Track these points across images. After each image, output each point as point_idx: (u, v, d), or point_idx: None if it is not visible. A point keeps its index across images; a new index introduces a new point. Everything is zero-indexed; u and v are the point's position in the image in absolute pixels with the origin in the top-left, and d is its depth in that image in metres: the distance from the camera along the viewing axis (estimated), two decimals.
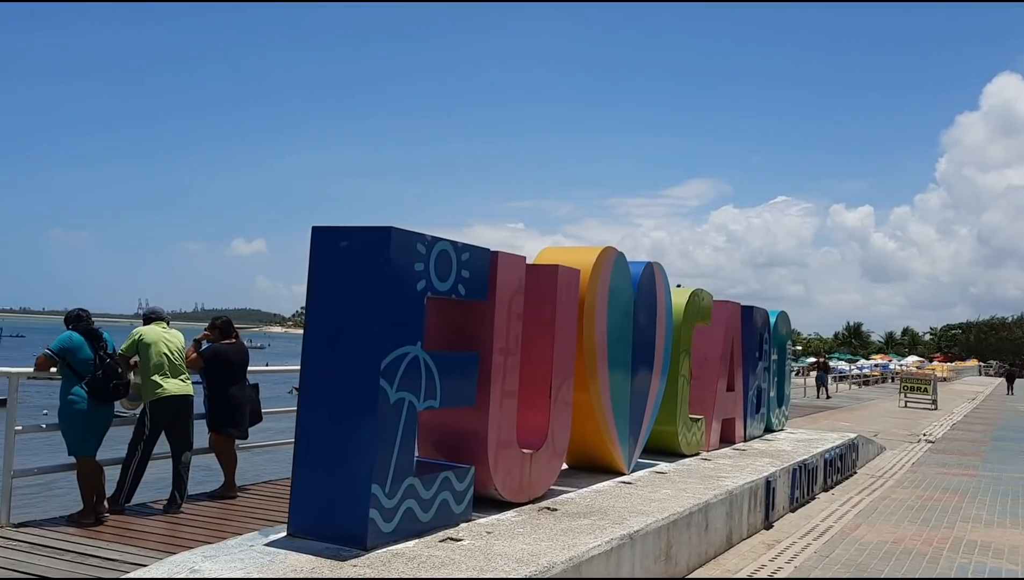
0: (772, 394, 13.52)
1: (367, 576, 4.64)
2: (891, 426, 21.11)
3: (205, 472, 9.67)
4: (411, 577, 4.67)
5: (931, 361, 73.94)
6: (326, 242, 5.45)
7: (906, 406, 28.42)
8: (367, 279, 5.29)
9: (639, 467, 8.95)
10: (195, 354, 7.65)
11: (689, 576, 6.96)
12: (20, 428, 6.49)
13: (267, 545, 5.16)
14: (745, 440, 12.03)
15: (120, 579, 4.72)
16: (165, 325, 7.36)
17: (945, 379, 51.84)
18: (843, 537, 8.48)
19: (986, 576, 7.22)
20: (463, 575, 4.75)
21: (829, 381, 33.49)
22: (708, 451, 10.65)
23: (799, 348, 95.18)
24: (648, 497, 7.37)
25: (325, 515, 5.28)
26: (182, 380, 7.20)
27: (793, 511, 9.83)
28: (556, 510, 6.63)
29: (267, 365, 20.82)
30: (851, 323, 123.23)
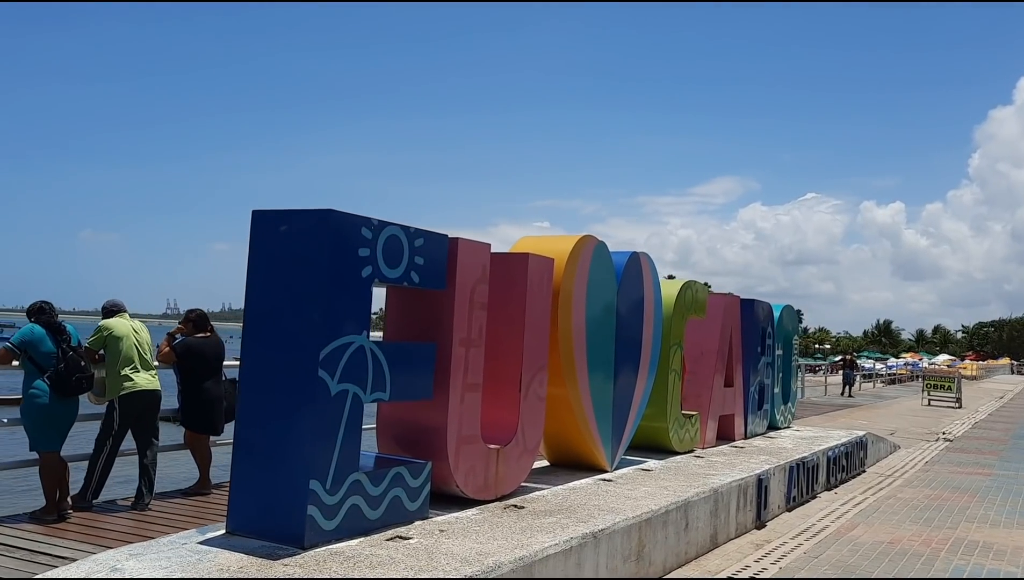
0: (776, 390, 13.10)
1: (296, 576, 4.39)
2: (910, 424, 20.54)
3: (184, 469, 9.50)
4: (343, 577, 4.41)
5: (963, 359, 72.47)
6: (266, 226, 5.21)
7: (929, 404, 27.75)
8: (306, 265, 5.04)
9: (626, 464, 8.61)
10: (168, 348, 7.51)
11: (666, 577, 6.65)
12: None
13: (200, 543, 4.91)
14: (746, 437, 11.65)
15: (35, 578, 4.51)
16: (127, 317, 7.23)
17: (974, 377, 50.76)
18: (837, 537, 8.11)
19: (982, 577, 6.84)
20: (400, 575, 4.49)
21: (856, 379, 32.86)
22: (703, 448, 10.29)
23: (827, 346, 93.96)
24: (625, 495, 7.05)
25: (263, 512, 5.03)
26: (151, 375, 7.09)
27: (790, 510, 9.48)
28: (523, 508, 6.35)
29: None
30: (881, 321, 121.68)
